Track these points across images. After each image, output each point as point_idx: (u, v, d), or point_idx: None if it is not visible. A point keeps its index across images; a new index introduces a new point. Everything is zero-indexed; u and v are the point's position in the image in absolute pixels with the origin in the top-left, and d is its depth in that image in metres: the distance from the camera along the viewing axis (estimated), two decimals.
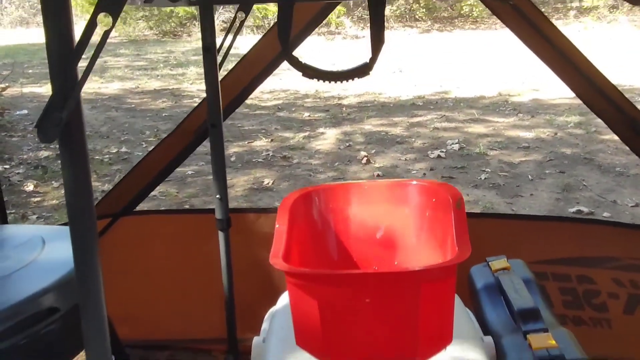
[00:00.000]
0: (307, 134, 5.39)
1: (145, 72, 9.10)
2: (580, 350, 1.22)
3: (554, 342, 1.22)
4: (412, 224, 0.85)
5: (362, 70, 1.81)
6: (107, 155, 4.60)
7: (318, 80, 1.84)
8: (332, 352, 0.74)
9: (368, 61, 1.77)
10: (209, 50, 1.71)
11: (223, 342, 2.04)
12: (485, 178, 4.00)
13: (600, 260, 1.94)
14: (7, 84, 6.48)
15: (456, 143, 4.84)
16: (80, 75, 0.90)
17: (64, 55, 0.87)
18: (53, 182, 4.01)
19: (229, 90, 1.95)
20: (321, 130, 5.54)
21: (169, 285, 2.11)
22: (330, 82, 1.84)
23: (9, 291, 1.32)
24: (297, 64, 1.81)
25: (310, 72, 1.83)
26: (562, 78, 1.85)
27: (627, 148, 1.97)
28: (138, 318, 2.00)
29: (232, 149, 4.81)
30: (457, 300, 1.48)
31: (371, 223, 0.89)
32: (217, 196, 1.82)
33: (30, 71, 9.41)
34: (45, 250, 1.50)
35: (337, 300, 0.72)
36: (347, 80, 1.82)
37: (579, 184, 3.85)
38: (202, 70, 1.76)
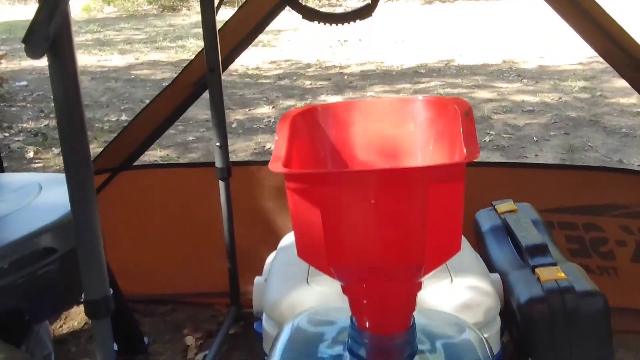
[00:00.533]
0: (309, 101, 5.33)
1: (144, 45, 8.99)
2: (591, 283, 1.19)
3: (563, 274, 1.20)
4: (419, 140, 0.81)
5: (365, 12, 1.76)
6: (107, 124, 4.55)
7: (319, 22, 1.80)
8: (336, 261, 0.71)
9: (370, 1, 1.72)
10: None
11: (225, 296, 2.02)
12: (489, 140, 3.95)
13: (608, 208, 1.91)
14: (3, 53, 6.41)
15: None
16: None
17: None
18: (53, 148, 3.97)
19: (228, 40, 1.90)
20: (323, 97, 5.48)
21: (169, 239, 2.08)
22: (331, 25, 1.79)
23: (5, 231, 1.29)
24: (297, 6, 1.77)
25: (311, 14, 1.79)
26: (582, 35, 1.72)
27: (634, 110, 1.91)
28: (139, 273, 1.98)
29: (234, 116, 4.76)
30: (462, 239, 1.45)
31: (375, 140, 0.84)
32: (217, 144, 1.79)
33: None
34: (42, 195, 1.47)
35: (340, 203, 0.68)
36: (349, 23, 1.77)
37: (584, 144, 3.80)
38: (202, 43, 1.72)
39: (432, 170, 0.67)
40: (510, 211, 1.51)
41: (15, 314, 1.28)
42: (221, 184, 1.84)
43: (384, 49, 7.82)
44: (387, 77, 6.37)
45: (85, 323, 1.99)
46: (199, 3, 1.71)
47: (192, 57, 1.99)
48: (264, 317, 1.18)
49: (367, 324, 0.75)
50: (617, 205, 1.90)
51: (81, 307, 2.07)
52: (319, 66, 7.11)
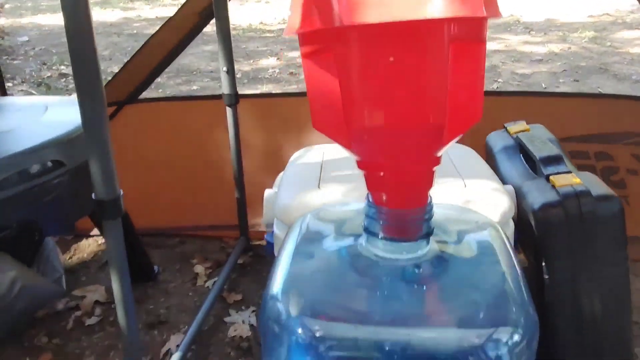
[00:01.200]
0: None
1: (146, 3, 8.87)
2: (606, 188, 1.18)
3: (578, 180, 1.18)
4: None
5: None
6: (111, 75, 4.51)
7: None
8: (353, 126, 0.69)
9: None
10: None
11: (234, 229, 2.02)
12: (497, 87, 3.90)
13: (619, 136, 1.88)
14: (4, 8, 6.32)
15: None
16: None
17: None
18: None
19: None
20: None
21: (177, 173, 2.07)
22: None
23: (13, 142, 1.28)
24: None
25: None
26: None
27: None
28: (146, 206, 1.97)
29: (238, 67, 4.70)
30: (474, 152, 1.43)
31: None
32: (224, 69, 1.76)
33: (29, 4, 9.18)
34: (49, 113, 1.46)
35: (357, 62, 0.66)
36: None
37: (593, 91, 3.75)
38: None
39: (453, 23, 0.65)
40: (523, 131, 1.49)
41: (27, 226, 1.28)
42: (228, 110, 1.82)
43: None
44: None
45: (95, 254, 2.00)
46: None
47: None
48: (275, 222, 1.17)
49: (384, 198, 0.74)
50: (630, 133, 1.87)
51: (90, 240, 2.08)
52: None
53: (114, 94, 2.05)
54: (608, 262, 1.13)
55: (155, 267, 1.85)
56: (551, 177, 1.20)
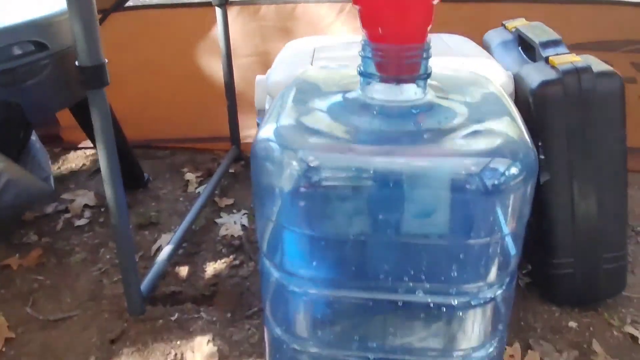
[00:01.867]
0: None
1: None
2: (608, 66, 1.15)
3: (579, 58, 1.15)
4: None
5: None
6: None
7: None
8: None
9: None
10: None
11: (225, 140, 1.99)
12: None
13: (619, 44, 1.84)
14: None
15: None
16: None
17: None
18: None
19: None
20: None
21: (166, 83, 2.02)
22: None
23: None
24: None
25: None
26: None
27: None
28: (135, 118, 1.92)
29: None
30: (472, 42, 1.39)
31: None
32: None
33: None
34: None
35: None
36: None
37: None
38: None
39: None
40: (522, 25, 1.44)
41: (11, 111, 1.23)
42: (218, 11, 1.76)
43: None
44: None
45: (83, 165, 1.97)
46: None
47: None
48: (267, 100, 1.14)
49: (380, 30, 0.70)
50: (629, 41, 1.83)
51: (79, 152, 2.05)
52: None
53: (99, 1, 1.98)
54: (606, 141, 1.11)
55: (146, 175, 1.83)
56: (550, 58, 1.16)
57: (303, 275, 0.72)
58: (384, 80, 0.73)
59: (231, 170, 1.89)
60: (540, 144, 1.13)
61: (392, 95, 0.73)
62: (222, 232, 1.55)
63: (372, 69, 0.73)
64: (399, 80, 0.73)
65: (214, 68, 1.94)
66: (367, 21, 0.72)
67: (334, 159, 0.67)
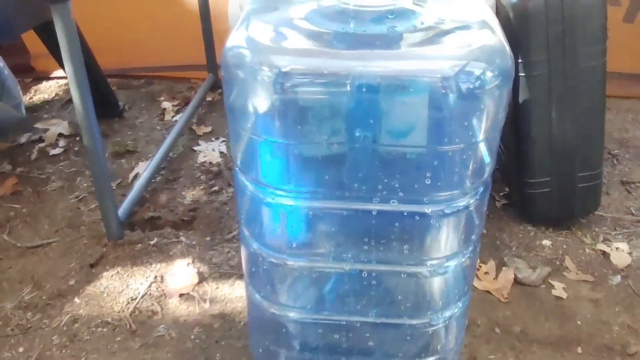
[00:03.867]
0: None
1: None
2: None
3: None
4: None
5: None
6: None
7: None
8: None
9: None
10: None
11: (202, 69, 1.94)
12: None
13: None
14: None
15: None
16: None
17: None
18: None
19: None
20: None
21: (141, 11, 1.94)
22: None
23: None
24: None
25: None
26: None
27: None
28: (109, 46, 1.86)
29: None
30: None
31: None
32: None
33: None
34: None
35: None
36: None
37: None
38: None
39: None
40: None
41: None
42: None
43: None
44: None
45: (56, 95, 1.91)
46: None
47: None
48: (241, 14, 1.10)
49: None
50: None
51: (51, 82, 1.99)
52: None
53: None
54: (587, 55, 1.10)
55: (121, 104, 1.78)
56: None
57: (277, 186, 0.71)
58: None
59: (209, 99, 1.86)
60: (520, 60, 1.11)
61: (368, 0, 0.71)
62: (201, 159, 1.53)
63: None
64: None
65: None
66: None
67: (307, 63, 0.65)
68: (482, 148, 0.70)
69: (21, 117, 1.51)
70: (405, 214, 0.70)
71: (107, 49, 1.82)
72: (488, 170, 0.73)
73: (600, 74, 1.11)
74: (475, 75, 0.64)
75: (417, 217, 0.71)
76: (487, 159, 0.72)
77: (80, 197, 1.39)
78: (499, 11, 1.14)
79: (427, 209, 0.70)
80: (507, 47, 0.68)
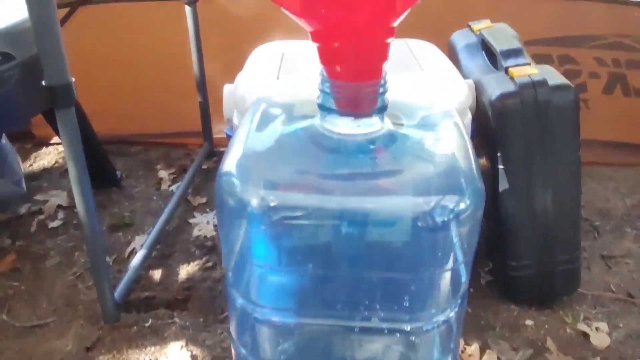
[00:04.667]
0: None
1: None
2: (562, 78, 1.19)
3: (536, 70, 1.19)
4: None
5: None
6: None
7: None
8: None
9: None
10: None
11: (198, 135, 2.00)
12: None
13: (583, 39, 1.89)
14: None
15: None
16: None
17: None
18: None
19: None
20: None
21: (138, 78, 2.01)
22: None
23: None
24: None
25: None
26: None
27: None
28: (106, 114, 1.92)
29: None
30: (436, 48, 1.43)
31: None
32: None
33: None
34: None
35: None
36: None
37: None
38: None
39: None
40: (486, 28, 1.47)
41: None
42: (188, 9, 1.75)
43: None
44: None
45: (56, 162, 1.97)
46: None
47: None
48: (234, 114, 1.17)
49: (338, 69, 0.73)
50: (594, 36, 1.88)
51: (50, 148, 2.04)
52: None
53: None
54: (561, 151, 1.16)
55: (119, 173, 1.84)
56: (510, 69, 1.20)
57: (264, 304, 0.76)
58: (342, 114, 0.76)
59: (204, 167, 1.91)
60: (499, 154, 1.17)
61: (350, 129, 0.77)
62: (196, 232, 1.58)
63: (331, 103, 0.76)
64: (356, 115, 0.76)
65: (186, 62, 1.94)
66: (325, 58, 0.75)
67: (293, 198, 0.70)
68: (459, 268, 0.75)
69: (21, 192, 1.56)
70: (386, 330, 0.75)
71: (105, 117, 1.88)
72: (465, 285, 0.78)
73: (576, 166, 1.17)
74: (449, 208, 0.69)
75: (397, 334, 0.75)
76: (464, 277, 0.77)
77: (77, 274, 1.43)
78: (479, 105, 1.20)
79: (406, 327, 0.75)
80: (478, 174, 0.74)
